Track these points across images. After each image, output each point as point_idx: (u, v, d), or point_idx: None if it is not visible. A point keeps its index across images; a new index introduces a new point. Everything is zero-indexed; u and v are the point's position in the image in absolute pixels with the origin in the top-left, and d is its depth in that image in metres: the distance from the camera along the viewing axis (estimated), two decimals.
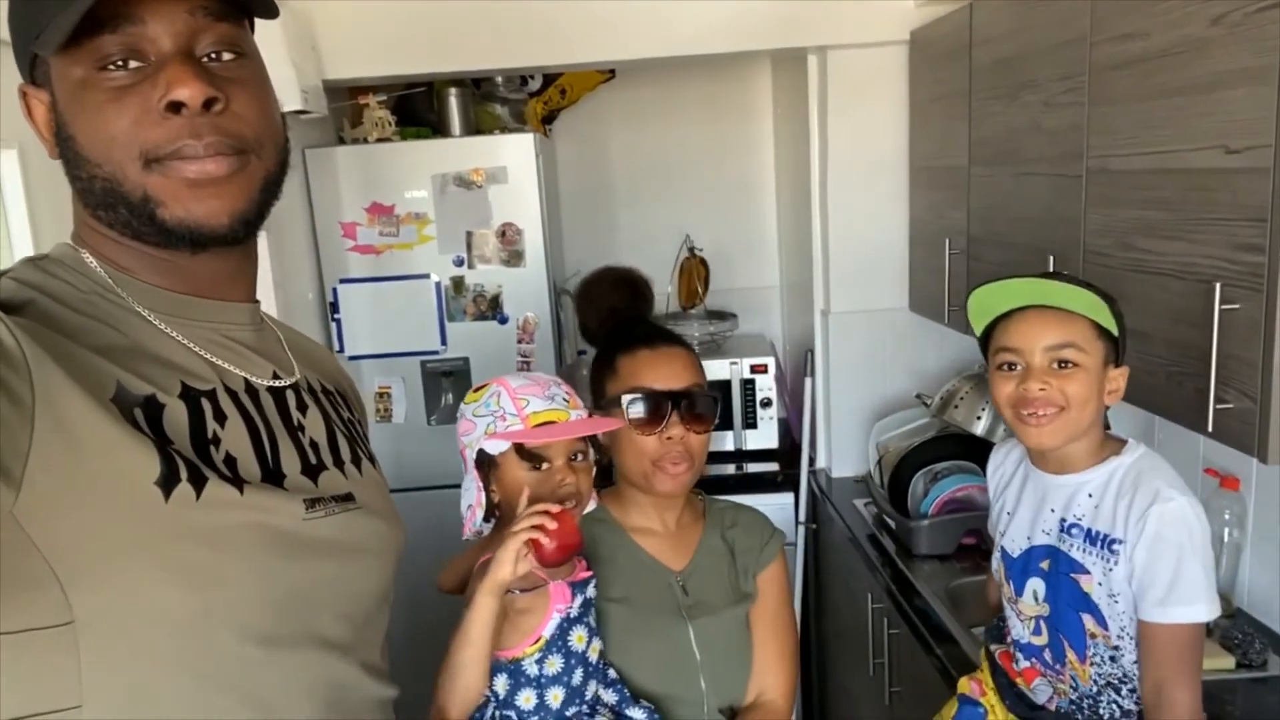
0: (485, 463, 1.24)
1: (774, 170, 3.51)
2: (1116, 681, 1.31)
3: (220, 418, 0.81)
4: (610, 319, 1.45)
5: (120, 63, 0.75)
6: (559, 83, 3.07)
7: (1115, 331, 1.28)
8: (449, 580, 1.32)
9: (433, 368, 2.83)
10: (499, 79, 2.97)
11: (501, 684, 1.20)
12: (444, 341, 2.80)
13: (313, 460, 0.88)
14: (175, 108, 0.75)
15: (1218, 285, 1.30)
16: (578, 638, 1.23)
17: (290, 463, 0.85)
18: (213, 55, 0.79)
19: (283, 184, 0.87)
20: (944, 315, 2.40)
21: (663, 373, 1.34)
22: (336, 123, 2.95)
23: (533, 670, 1.20)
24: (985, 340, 1.38)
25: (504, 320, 2.79)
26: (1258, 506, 1.78)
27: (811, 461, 2.98)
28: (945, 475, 2.28)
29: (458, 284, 2.77)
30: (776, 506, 2.89)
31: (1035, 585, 1.38)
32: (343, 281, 2.76)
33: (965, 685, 1.54)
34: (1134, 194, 1.53)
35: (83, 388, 0.71)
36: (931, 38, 2.45)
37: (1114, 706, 1.32)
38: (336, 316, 2.78)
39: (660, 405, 1.32)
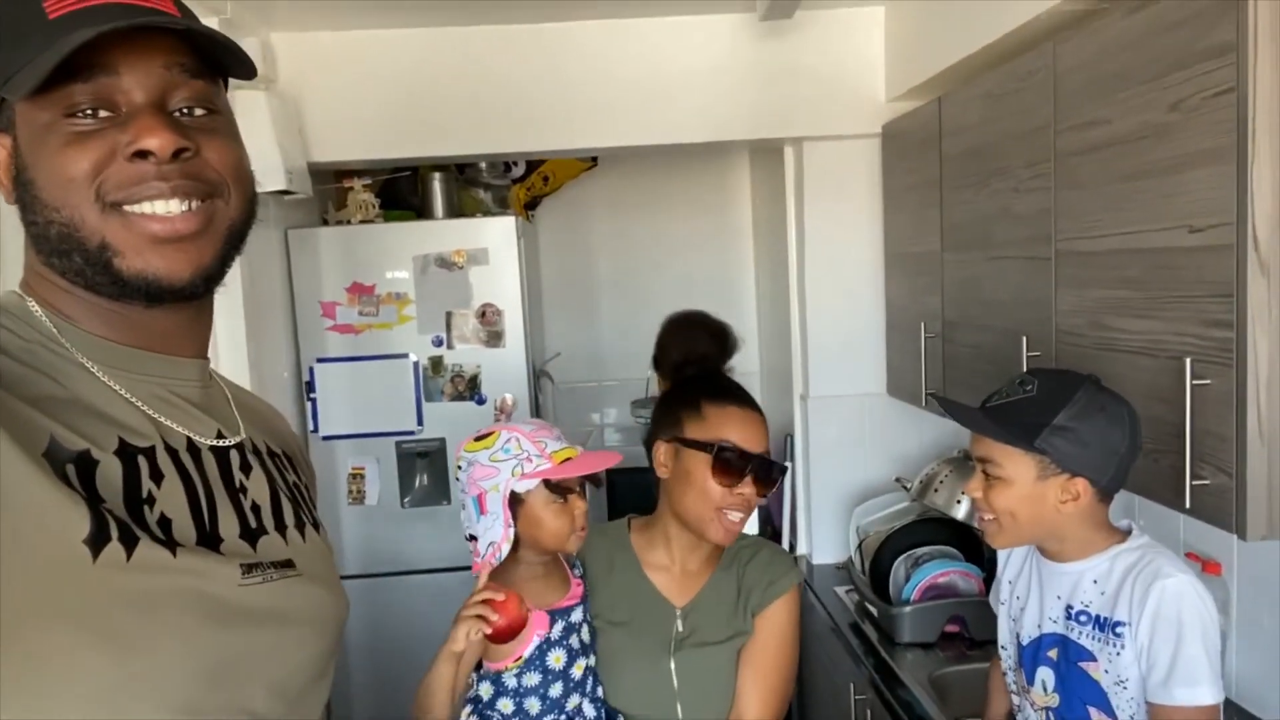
0: (513, 503, 1.34)
1: (753, 257, 3.57)
2: None
3: (157, 476, 0.77)
4: (699, 363, 1.53)
5: (89, 111, 0.74)
6: (542, 169, 3.14)
7: (1032, 451, 1.28)
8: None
9: (408, 448, 2.79)
10: (482, 164, 3.03)
11: (485, 689, 1.36)
12: (420, 421, 2.78)
13: (253, 524, 0.85)
14: (143, 155, 0.74)
15: (1188, 361, 1.31)
16: (555, 659, 1.36)
17: (228, 525, 0.82)
18: (184, 110, 0.78)
19: (246, 237, 0.86)
20: (921, 399, 2.40)
21: (749, 432, 1.40)
22: (321, 205, 2.99)
23: (512, 682, 1.35)
24: None
25: (481, 401, 2.77)
26: (1240, 592, 1.76)
27: (792, 548, 2.94)
28: (927, 560, 2.25)
29: (436, 364, 2.76)
30: None
31: (1045, 675, 1.36)
32: (320, 360, 2.75)
33: None
34: (1103, 274, 1.56)
35: (13, 440, 0.68)
36: (902, 130, 2.53)
37: None
38: (312, 396, 2.75)
39: (744, 465, 1.39)
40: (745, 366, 3.54)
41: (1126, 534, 1.33)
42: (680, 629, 1.45)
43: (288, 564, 0.86)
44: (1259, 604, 1.71)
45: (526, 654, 1.35)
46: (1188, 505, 1.32)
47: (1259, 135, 1.20)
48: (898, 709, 1.98)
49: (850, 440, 2.83)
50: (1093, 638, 1.29)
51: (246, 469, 0.88)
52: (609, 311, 3.50)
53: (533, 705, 1.35)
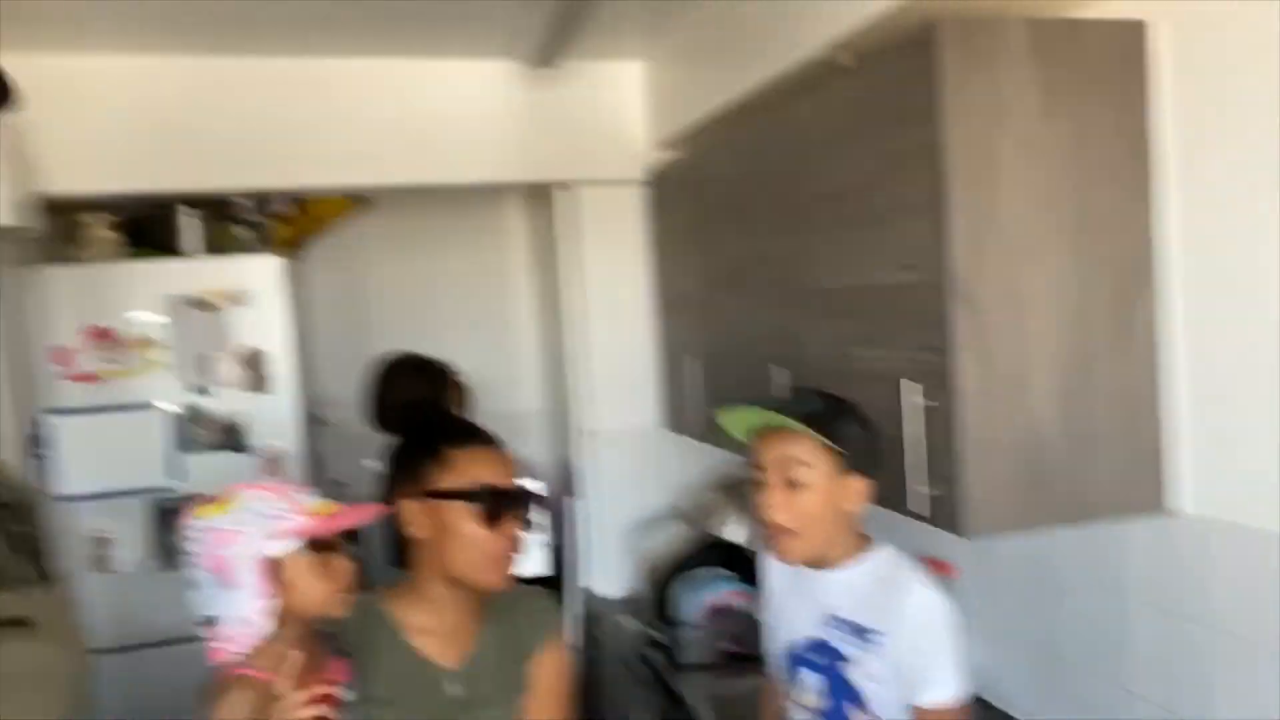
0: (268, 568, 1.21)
1: (532, 299, 3.61)
2: None
3: None
4: (419, 408, 1.41)
5: None
6: (307, 208, 3.03)
7: (836, 446, 1.36)
8: None
9: (167, 506, 2.57)
10: (241, 200, 2.88)
11: None
12: (176, 475, 2.57)
13: None
14: None
15: (909, 383, 1.48)
16: None
17: None
18: None
19: None
20: (694, 430, 2.53)
21: (500, 469, 1.33)
22: (55, 243, 2.71)
23: None
24: None
25: (246, 451, 2.61)
26: (968, 589, 1.97)
27: (580, 584, 2.97)
28: (705, 583, 2.35)
29: (194, 413, 2.57)
30: None
31: (809, 678, 1.46)
32: (53, 412, 2.48)
33: None
34: (841, 310, 1.73)
35: None
36: (665, 177, 2.67)
37: None
38: (41, 452, 2.47)
39: (505, 504, 1.32)
40: (526, 405, 3.62)
41: (870, 542, 1.45)
42: (456, 693, 1.34)
43: (19, 621, 0.79)
44: (983, 601, 1.92)
45: None
46: (915, 511, 1.49)
47: (954, 184, 1.39)
48: None
49: (631, 474, 2.91)
50: (849, 643, 1.40)
51: None
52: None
53: None
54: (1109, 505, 1.48)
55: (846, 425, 1.38)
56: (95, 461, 2.51)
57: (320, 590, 1.23)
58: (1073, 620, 1.72)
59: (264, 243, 2.98)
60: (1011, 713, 1.89)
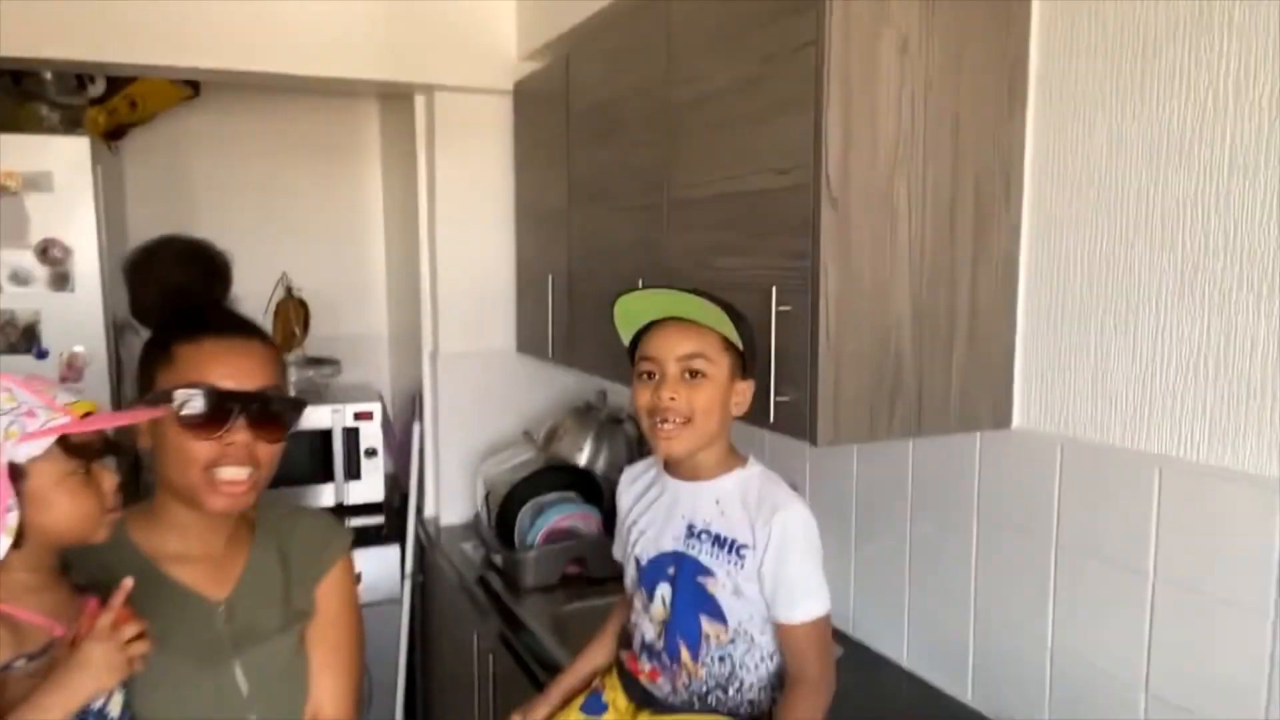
0: (13, 476, 0.99)
1: (383, 216, 3.40)
2: (724, 681, 1.37)
3: None
4: (174, 300, 1.18)
5: None
6: (128, 92, 2.70)
7: (740, 345, 1.33)
8: None
9: None
10: (47, 75, 2.54)
11: None
12: None
13: None
14: None
15: (774, 290, 1.45)
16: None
17: None
18: None
19: None
20: (548, 352, 2.44)
21: (233, 366, 1.14)
22: None
23: None
24: (632, 350, 1.40)
25: (43, 355, 2.33)
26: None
27: (420, 511, 2.85)
28: (549, 506, 2.29)
29: None
30: (381, 560, 2.71)
31: (663, 590, 1.41)
32: None
33: (597, 679, 1.54)
34: (707, 219, 1.68)
35: None
36: (532, 88, 2.54)
37: (720, 702, 1.38)
38: None
39: (223, 407, 1.12)
40: (374, 328, 3.43)
41: (744, 460, 1.41)
42: (229, 627, 1.20)
43: None
44: (826, 524, 1.95)
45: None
46: (771, 420, 1.46)
47: (833, 84, 1.35)
48: (520, 652, 1.99)
49: (480, 398, 2.80)
50: (712, 555, 1.36)
51: None
52: None
53: None
54: (955, 419, 1.51)
55: (739, 324, 1.33)
56: None
57: (79, 507, 1.03)
58: (916, 536, 1.76)
59: (74, 127, 2.64)
60: (851, 632, 1.93)
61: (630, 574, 1.50)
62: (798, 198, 1.41)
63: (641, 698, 1.46)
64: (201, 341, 1.14)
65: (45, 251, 2.31)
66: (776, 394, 1.46)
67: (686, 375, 1.31)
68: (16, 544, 1.00)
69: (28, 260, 2.30)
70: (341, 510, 2.80)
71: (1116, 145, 1.36)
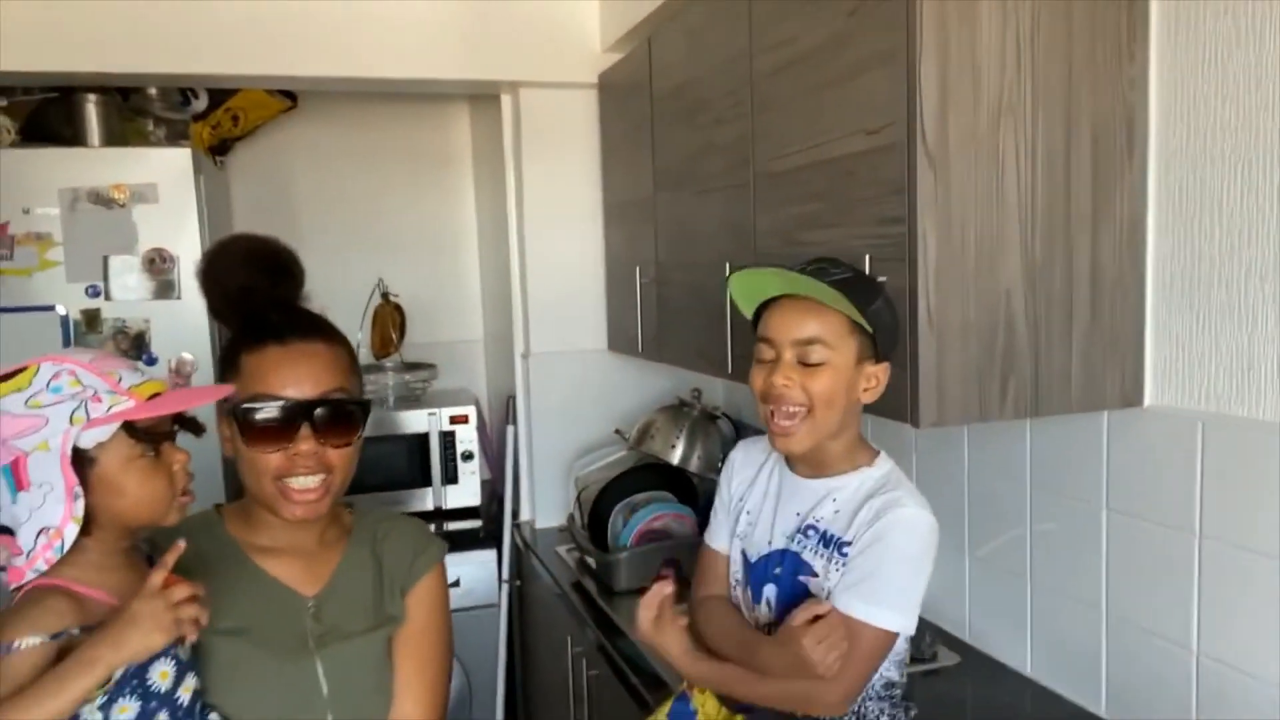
0: (81, 462, 0.98)
1: (475, 219, 3.42)
2: None
3: None
4: (240, 302, 1.16)
5: None
6: (229, 105, 2.79)
7: (869, 328, 1.19)
8: None
9: None
10: (153, 91, 2.64)
11: None
12: None
13: None
14: None
15: (868, 260, 1.33)
16: (160, 674, 1.01)
17: None
18: None
19: None
20: (638, 347, 2.38)
21: (295, 373, 1.11)
22: None
23: (94, 717, 0.96)
24: (756, 325, 1.29)
25: (151, 361, 2.40)
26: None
27: (515, 515, 2.82)
28: (643, 506, 2.21)
29: (91, 318, 2.35)
30: (479, 564, 2.69)
31: (769, 593, 1.30)
32: None
33: (681, 686, 1.44)
34: (794, 192, 1.58)
35: None
36: (616, 78, 2.49)
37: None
38: None
39: (287, 416, 1.10)
40: (470, 333, 3.44)
41: (874, 454, 1.28)
42: (315, 624, 1.17)
43: None
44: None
45: (118, 673, 0.97)
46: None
47: (926, 31, 1.23)
48: (615, 657, 1.92)
49: (572, 399, 2.75)
50: (815, 553, 1.25)
51: None
52: (315, 271, 3.18)
53: None
54: (1080, 397, 1.35)
55: (875, 301, 1.20)
56: None
57: (149, 492, 1.01)
58: (1037, 531, 1.60)
59: (179, 142, 2.74)
60: (967, 639, 1.78)
61: (735, 569, 1.39)
62: (891, 158, 1.30)
63: (734, 704, 1.34)
64: (264, 350, 1.12)
65: (152, 261, 2.39)
66: None
67: (803, 361, 1.19)
68: (87, 530, 0.99)
69: (136, 269, 2.38)
70: (439, 515, 2.80)
71: (1257, 87, 1.20)
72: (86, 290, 2.35)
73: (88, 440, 0.97)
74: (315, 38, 2.35)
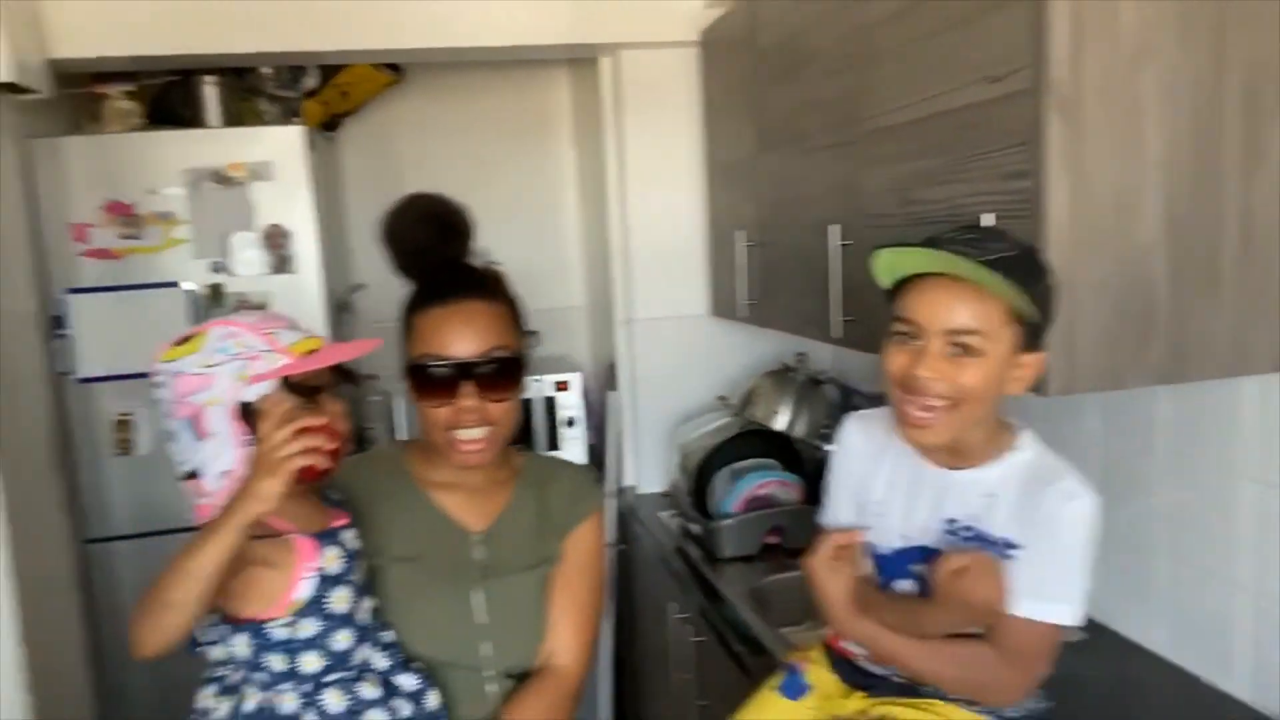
0: (246, 415, 1.08)
1: (577, 189, 3.41)
2: None
3: None
4: (416, 259, 1.24)
5: None
6: (338, 82, 2.84)
7: (1036, 317, 1.06)
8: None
9: None
10: (267, 71, 2.71)
11: (243, 645, 1.10)
12: None
13: None
14: None
15: (992, 217, 1.26)
16: (339, 599, 1.12)
17: None
18: None
19: None
20: (741, 313, 2.33)
21: (456, 333, 1.18)
22: (73, 116, 2.60)
23: (281, 634, 1.10)
24: (893, 296, 1.14)
25: None
26: None
27: (618, 480, 2.83)
28: (747, 473, 2.18)
29: (215, 292, 2.45)
30: None
31: (904, 586, 1.23)
32: (72, 291, 2.39)
33: (792, 655, 1.41)
34: (906, 148, 1.50)
35: None
36: (719, 34, 2.43)
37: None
38: (61, 332, 2.38)
39: (449, 375, 1.17)
40: (571, 300, 3.45)
41: (1014, 434, 1.17)
42: (481, 557, 1.27)
43: None
44: None
45: (302, 596, 1.09)
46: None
47: None
48: (719, 624, 1.91)
49: (674, 365, 2.73)
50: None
51: None
52: None
53: (310, 661, 1.10)
54: (1224, 361, 1.25)
55: (1041, 282, 1.06)
56: (116, 342, 2.42)
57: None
58: (1170, 502, 1.50)
59: (292, 119, 2.82)
60: (1094, 615, 1.69)
61: (866, 555, 1.28)
62: (1015, 107, 1.21)
63: (858, 679, 1.29)
64: (429, 312, 1.20)
65: (269, 237, 2.47)
66: None
67: (954, 350, 1.06)
68: None
69: (255, 245, 2.46)
70: None
71: None
72: (210, 266, 2.45)
73: (251, 394, 1.07)
74: (419, 10, 2.36)
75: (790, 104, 1.98)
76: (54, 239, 2.38)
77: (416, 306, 1.22)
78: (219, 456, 1.08)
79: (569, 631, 1.29)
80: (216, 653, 1.13)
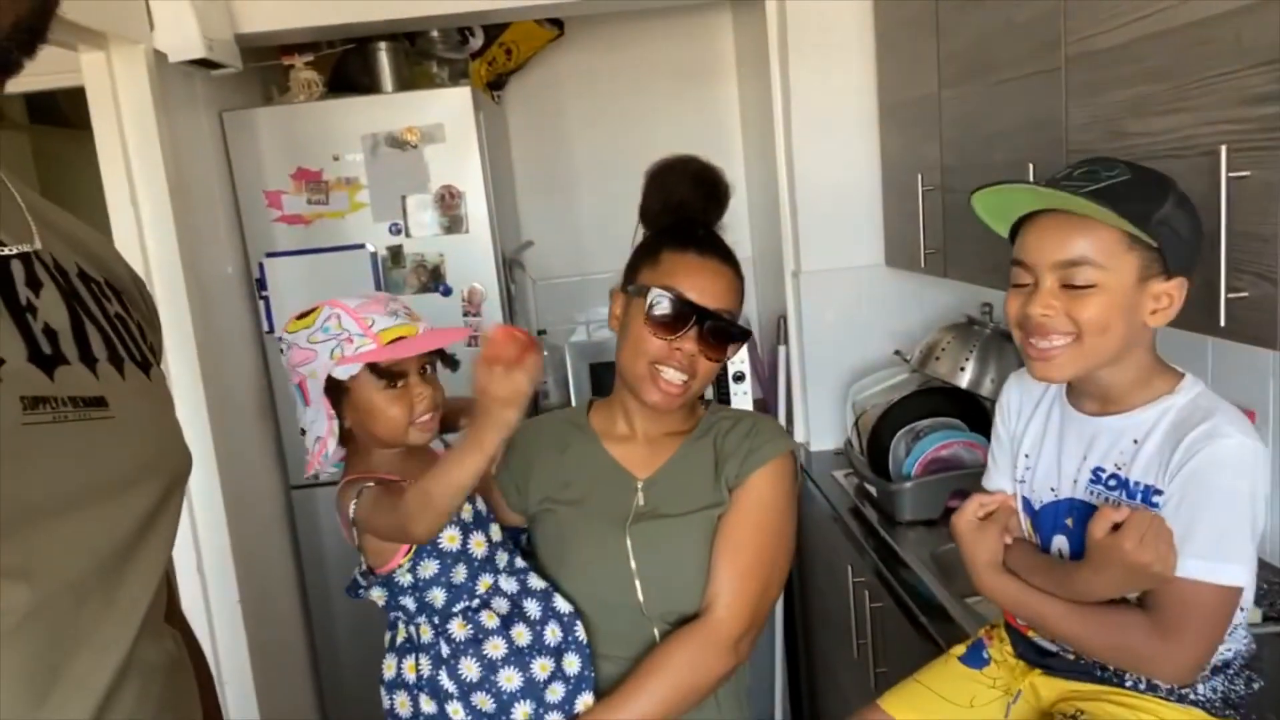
0: (334, 389, 1.17)
1: (741, 136, 3.31)
2: None
3: None
4: (676, 211, 1.31)
5: None
6: (503, 40, 2.87)
7: (1153, 241, 1.01)
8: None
9: None
10: (435, 33, 2.76)
11: (378, 596, 1.23)
12: None
13: (46, 349, 0.67)
14: None
15: (1223, 151, 1.09)
16: (448, 539, 1.21)
17: (10, 347, 0.64)
18: None
19: (36, 41, 0.66)
20: (920, 262, 2.18)
21: (702, 283, 1.24)
22: (264, 89, 2.75)
23: (406, 579, 1.20)
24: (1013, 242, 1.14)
25: (447, 292, 2.57)
26: (1276, 443, 1.56)
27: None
28: (928, 433, 2.06)
29: (395, 254, 2.55)
30: None
31: (1060, 543, 1.17)
32: (269, 255, 2.55)
33: (983, 631, 1.36)
34: (1122, 71, 1.32)
35: None
36: None
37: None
38: (264, 293, 2.56)
39: (685, 314, 1.23)
40: (737, 252, 3.37)
41: (1178, 378, 1.09)
42: (640, 502, 1.30)
43: (97, 402, 0.68)
44: None
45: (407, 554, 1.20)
46: (1222, 324, 1.11)
47: None
48: (899, 589, 1.82)
49: (847, 317, 2.62)
50: (1120, 504, 1.07)
51: (35, 284, 0.69)
52: (589, 199, 3.26)
53: (437, 597, 1.21)
54: None
55: (1163, 206, 1.01)
56: (311, 302, 2.54)
57: (390, 417, 1.18)
58: None
59: (460, 81, 2.87)
60: None
61: (1022, 520, 1.25)
62: (1262, 17, 1.03)
63: (1034, 656, 1.23)
64: (687, 253, 1.26)
65: (443, 198, 2.54)
66: (1228, 289, 1.10)
67: (1067, 285, 1.03)
68: (346, 443, 1.21)
69: (429, 207, 2.54)
70: None
71: None
72: (389, 228, 2.54)
73: (341, 373, 1.15)
74: None
75: (977, 33, 1.80)
76: (251, 206, 2.54)
77: (672, 244, 1.27)
78: (315, 423, 1.19)
79: (730, 580, 1.27)
80: (375, 596, 1.25)
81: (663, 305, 1.23)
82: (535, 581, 1.27)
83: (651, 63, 3.21)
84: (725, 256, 1.29)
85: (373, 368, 1.15)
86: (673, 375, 1.25)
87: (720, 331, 1.25)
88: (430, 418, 1.21)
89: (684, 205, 1.31)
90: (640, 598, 1.26)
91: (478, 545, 1.23)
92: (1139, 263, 1.02)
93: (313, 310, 1.19)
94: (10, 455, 0.61)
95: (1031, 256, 1.06)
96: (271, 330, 2.58)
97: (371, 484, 1.17)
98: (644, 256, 1.30)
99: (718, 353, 1.26)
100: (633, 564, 1.27)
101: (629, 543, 1.27)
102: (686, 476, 1.31)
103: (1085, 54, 1.41)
